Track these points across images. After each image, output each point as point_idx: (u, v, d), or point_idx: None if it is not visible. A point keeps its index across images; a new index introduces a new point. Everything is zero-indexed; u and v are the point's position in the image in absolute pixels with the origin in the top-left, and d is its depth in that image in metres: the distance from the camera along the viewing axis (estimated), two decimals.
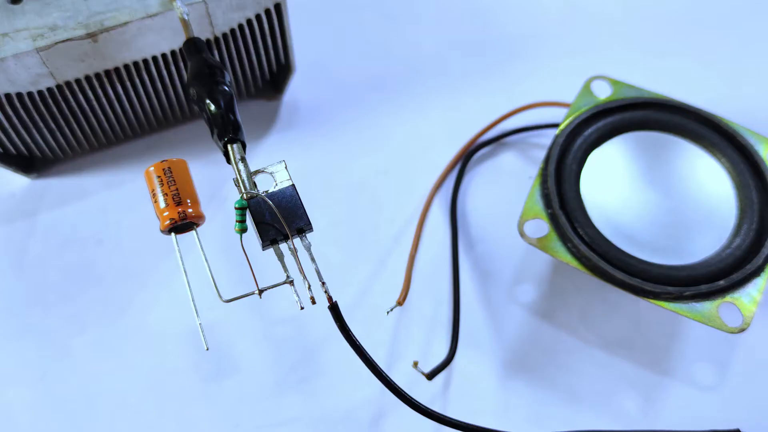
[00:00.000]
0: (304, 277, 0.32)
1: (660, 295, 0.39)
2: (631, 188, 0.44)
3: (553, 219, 0.41)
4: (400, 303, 0.42)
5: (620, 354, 0.44)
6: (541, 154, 0.52)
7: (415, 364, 0.41)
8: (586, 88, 0.47)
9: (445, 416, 0.35)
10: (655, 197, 0.43)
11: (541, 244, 0.41)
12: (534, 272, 0.47)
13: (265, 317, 0.45)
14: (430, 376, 0.39)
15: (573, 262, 0.40)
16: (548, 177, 0.42)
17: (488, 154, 0.53)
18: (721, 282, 0.39)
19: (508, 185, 0.51)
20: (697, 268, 0.40)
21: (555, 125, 0.51)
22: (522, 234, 0.41)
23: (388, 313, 0.42)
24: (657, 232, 0.42)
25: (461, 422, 0.35)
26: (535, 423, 0.42)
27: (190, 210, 0.33)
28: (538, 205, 0.42)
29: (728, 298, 0.39)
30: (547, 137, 0.52)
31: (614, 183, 0.44)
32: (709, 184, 0.43)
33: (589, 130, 0.45)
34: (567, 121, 0.45)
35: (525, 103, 0.52)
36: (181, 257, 0.33)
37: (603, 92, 0.46)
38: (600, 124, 0.45)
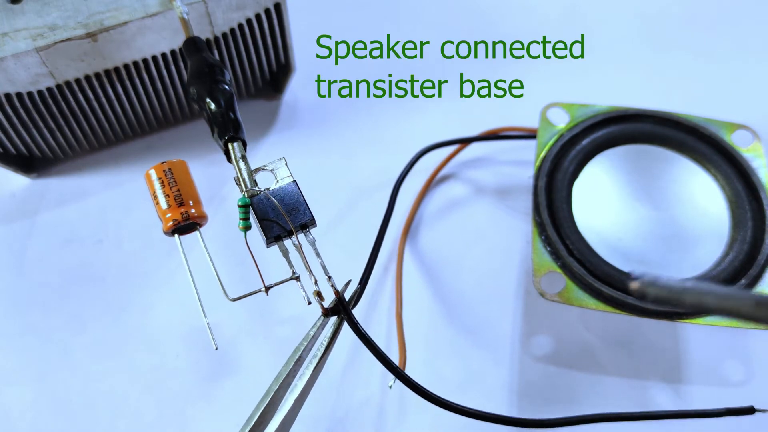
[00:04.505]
0: (310, 273, 0.32)
1: (701, 313, 0.38)
2: (623, 210, 0.43)
3: (567, 269, 0.40)
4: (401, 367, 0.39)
5: (620, 354, 0.44)
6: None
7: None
8: (544, 120, 0.45)
9: (453, 403, 0.34)
10: (647, 214, 0.43)
11: (563, 298, 0.39)
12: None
13: (265, 317, 0.45)
14: (328, 312, 0.33)
15: (603, 307, 0.39)
16: (546, 226, 0.41)
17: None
18: (742, 281, 0.39)
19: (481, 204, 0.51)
20: (721, 273, 0.39)
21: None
22: (543, 294, 0.39)
23: (390, 386, 0.39)
24: (661, 246, 0.41)
25: (469, 409, 0.35)
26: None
27: (192, 210, 0.33)
28: (545, 257, 0.40)
29: (759, 290, 0.39)
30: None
31: (605, 208, 0.43)
32: (693, 185, 0.43)
33: (566, 163, 0.44)
34: (539, 161, 0.44)
35: (501, 125, 0.51)
36: (185, 258, 0.32)
37: (561, 119, 0.46)
38: (572, 153, 0.44)
